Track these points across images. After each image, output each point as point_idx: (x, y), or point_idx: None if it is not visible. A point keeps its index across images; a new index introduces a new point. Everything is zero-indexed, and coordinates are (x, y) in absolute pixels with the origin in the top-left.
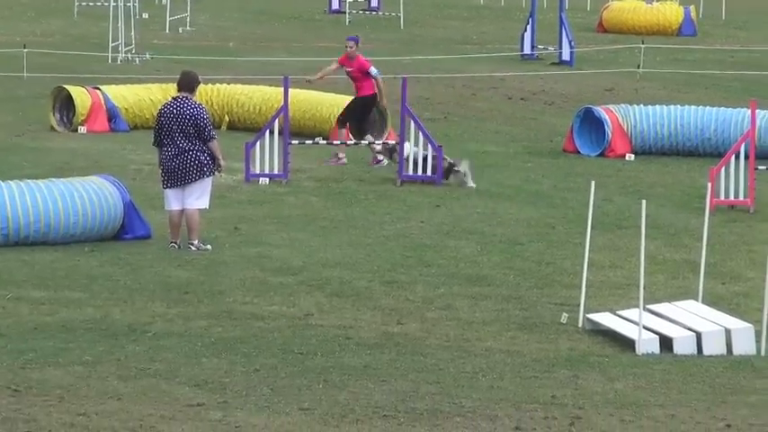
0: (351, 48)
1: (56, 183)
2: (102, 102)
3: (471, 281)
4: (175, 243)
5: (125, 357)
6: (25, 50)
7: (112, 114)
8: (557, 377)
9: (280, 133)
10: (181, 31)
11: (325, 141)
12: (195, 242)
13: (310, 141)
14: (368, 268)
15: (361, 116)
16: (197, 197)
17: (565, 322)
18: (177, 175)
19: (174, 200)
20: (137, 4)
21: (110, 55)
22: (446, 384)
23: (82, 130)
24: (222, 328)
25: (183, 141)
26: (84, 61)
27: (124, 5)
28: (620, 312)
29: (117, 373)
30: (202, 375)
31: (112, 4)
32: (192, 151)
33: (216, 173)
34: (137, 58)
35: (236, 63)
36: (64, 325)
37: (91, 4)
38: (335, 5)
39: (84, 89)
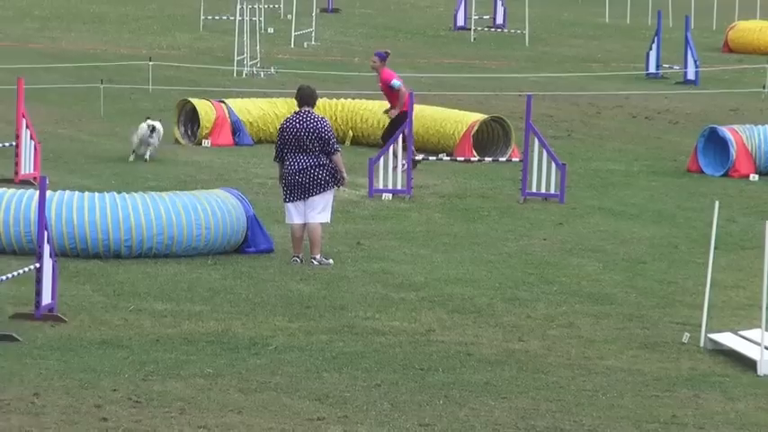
0: (374, 63)
1: (179, 195)
2: (227, 115)
3: (593, 299)
4: (298, 257)
5: (246, 371)
6: (151, 63)
7: (237, 128)
8: (677, 396)
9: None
10: (306, 46)
11: (447, 158)
12: (317, 257)
13: (434, 157)
14: (490, 285)
15: (390, 130)
16: (319, 211)
17: (686, 342)
18: (299, 189)
19: (295, 214)
20: (262, 19)
21: (235, 69)
22: (567, 402)
23: (206, 143)
24: (343, 342)
25: (305, 156)
26: (209, 75)
27: (250, 20)
28: (741, 333)
29: (238, 386)
30: (323, 390)
31: (238, 18)
32: (315, 165)
33: (338, 187)
34: (261, 72)
35: (361, 78)
36: (186, 337)
37: (217, 18)
38: (461, 22)
39: (209, 102)
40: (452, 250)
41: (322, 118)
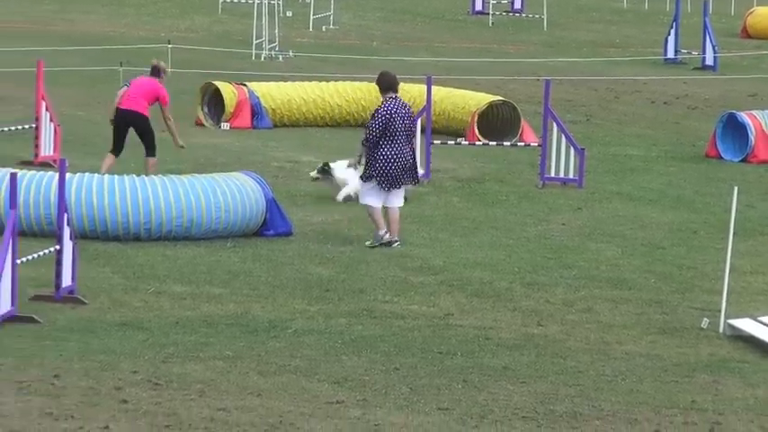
0: None
1: (198, 178)
2: (248, 98)
3: (612, 284)
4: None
5: (265, 353)
6: (170, 46)
7: (256, 111)
8: (697, 382)
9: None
10: (324, 30)
11: (466, 142)
12: (397, 238)
13: (452, 142)
14: (508, 269)
15: None
16: (401, 196)
17: (705, 327)
18: (407, 174)
19: (378, 198)
20: (281, 2)
21: (253, 52)
22: (586, 387)
23: (225, 126)
24: (362, 326)
25: (404, 142)
26: (228, 58)
27: (268, 3)
28: (761, 318)
29: (257, 369)
30: (342, 373)
31: (257, 1)
32: (410, 153)
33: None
34: (280, 56)
35: (379, 62)
36: (205, 320)
37: (235, 1)
38: (479, 6)
39: (231, 85)
40: (471, 234)
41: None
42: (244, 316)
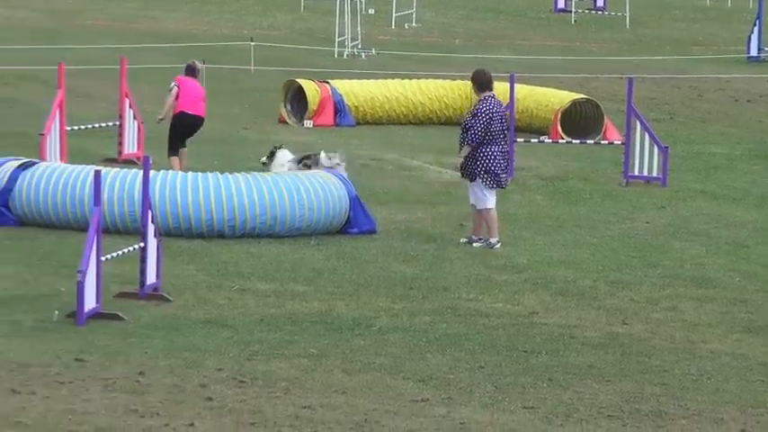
0: None
1: (282, 176)
2: (331, 95)
3: (696, 282)
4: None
5: (350, 351)
6: (252, 44)
7: (339, 108)
8: None
9: None
10: (406, 27)
11: (549, 140)
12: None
13: (535, 140)
14: (593, 268)
15: None
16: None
17: None
18: (503, 175)
19: (494, 198)
20: (363, 0)
21: (336, 50)
22: (671, 386)
23: (308, 123)
24: (447, 324)
25: (502, 141)
26: (310, 55)
27: (351, 1)
28: None
29: (342, 367)
30: (427, 371)
31: None
32: (506, 151)
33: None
34: (362, 54)
35: (461, 60)
36: (290, 317)
37: None
38: (561, 4)
39: (314, 83)
40: (555, 232)
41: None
42: (328, 314)
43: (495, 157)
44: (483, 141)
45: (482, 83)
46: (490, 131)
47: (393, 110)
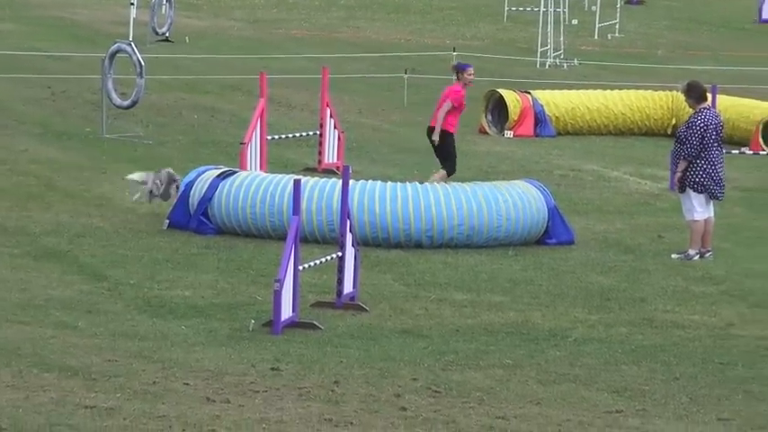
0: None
1: (481, 186)
2: (532, 106)
3: None
4: (708, 250)
5: (545, 362)
6: (454, 53)
7: (540, 119)
8: None
9: None
10: (609, 38)
11: (750, 152)
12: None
13: (736, 151)
14: None
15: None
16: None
17: None
18: (716, 187)
19: (705, 211)
20: (566, 10)
21: (538, 60)
22: None
23: (508, 134)
24: (643, 335)
25: (718, 152)
26: (511, 65)
27: (554, 11)
28: None
29: (537, 378)
30: (622, 382)
31: (542, 9)
32: (722, 163)
33: None
34: (564, 64)
35: (664, 71)
36: (485, 328)
37: (521, 9)
38: (766, 15)
39: (515, 93)
40: (755, 244)
41: None
42: (524, 324)
43: (706, 168)
44: (698, 155)
45: (697, 95)
46: (704, 143)
47: (594, 120)
